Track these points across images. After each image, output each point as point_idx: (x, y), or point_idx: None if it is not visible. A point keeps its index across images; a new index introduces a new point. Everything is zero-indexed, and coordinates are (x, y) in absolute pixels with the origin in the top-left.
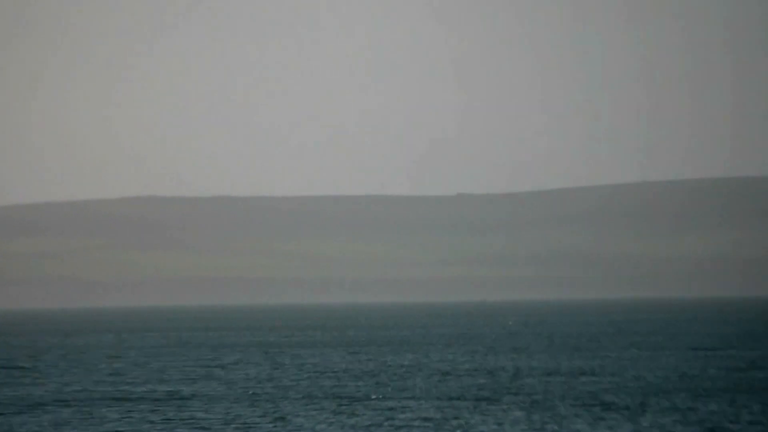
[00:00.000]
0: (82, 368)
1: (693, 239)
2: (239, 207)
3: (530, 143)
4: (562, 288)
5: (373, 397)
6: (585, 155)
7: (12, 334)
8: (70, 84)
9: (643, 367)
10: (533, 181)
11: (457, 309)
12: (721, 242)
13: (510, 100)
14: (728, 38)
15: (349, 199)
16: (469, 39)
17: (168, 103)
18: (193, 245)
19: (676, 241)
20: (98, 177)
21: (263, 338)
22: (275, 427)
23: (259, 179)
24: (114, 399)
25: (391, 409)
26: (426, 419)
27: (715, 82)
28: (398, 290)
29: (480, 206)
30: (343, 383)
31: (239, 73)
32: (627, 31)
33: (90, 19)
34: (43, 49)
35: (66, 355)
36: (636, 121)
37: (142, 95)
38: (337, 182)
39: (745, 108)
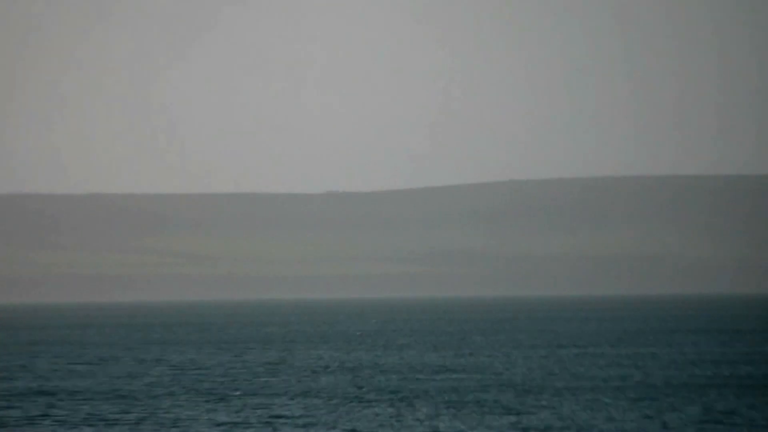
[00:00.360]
0: None
1: (586, 237)
2: (114, 204)
3: (406, 141)
4: (444, 286)
5: (234, 394)
6: (475, 152)
7: None
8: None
9: (505, 365)
10: (408, 179)
11: (324, 306)
12: (616, 240)
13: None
14: (622, 36)
15: (222, 197)
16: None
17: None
18: (66, 243)
19: (567, 239)
20: None
21: (128, 335)
22: (136, 423)
23: (130, 177)
24: None
25: (251, 406)
26: (283, 416)
27: (613, 80)
28: (268, 287)
29: (351, 204)
30: (205, 380)
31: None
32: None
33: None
34: None
35: None
36: (530, 119)
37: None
38: (212, 180)
39: (647, 106)
